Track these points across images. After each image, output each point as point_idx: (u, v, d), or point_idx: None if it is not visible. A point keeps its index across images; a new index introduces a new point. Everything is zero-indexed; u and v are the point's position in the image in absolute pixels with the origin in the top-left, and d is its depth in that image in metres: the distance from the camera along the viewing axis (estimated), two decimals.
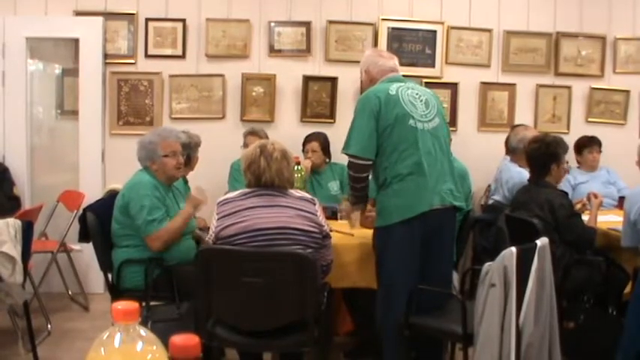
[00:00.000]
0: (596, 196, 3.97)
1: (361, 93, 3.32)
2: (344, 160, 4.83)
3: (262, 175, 2.81)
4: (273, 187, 2.83)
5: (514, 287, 2.60)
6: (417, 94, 3.14)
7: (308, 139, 4.74)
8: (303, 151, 4.69)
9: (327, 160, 4.79)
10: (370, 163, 3.06)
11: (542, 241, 2.77)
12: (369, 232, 3.45)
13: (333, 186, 4.69)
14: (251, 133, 4.63)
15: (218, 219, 2.80)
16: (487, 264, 2.69)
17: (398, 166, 3.00)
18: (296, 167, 3.23)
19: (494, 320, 2.62)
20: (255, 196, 2.82)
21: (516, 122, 5.33)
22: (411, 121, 3.03)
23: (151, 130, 3.69)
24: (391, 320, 3.01)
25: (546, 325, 2.77)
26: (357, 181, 3.17)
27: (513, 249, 2.61)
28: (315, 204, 2.88)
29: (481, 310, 2.67)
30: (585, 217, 3.82)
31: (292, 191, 2.89)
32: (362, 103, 3.10)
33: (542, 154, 3.69)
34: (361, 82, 3.42)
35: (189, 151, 3.95)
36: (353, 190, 3.24)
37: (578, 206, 4.00)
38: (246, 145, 4.28)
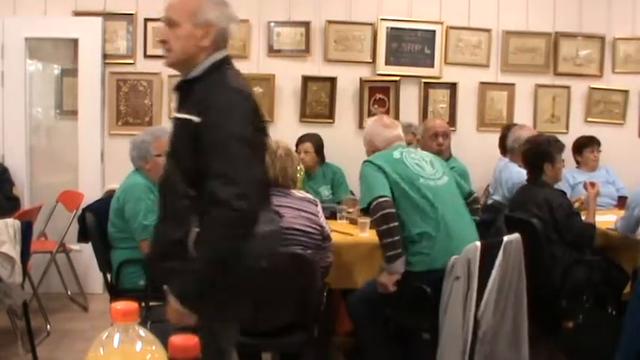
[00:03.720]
0: (593, 185, 3.95)
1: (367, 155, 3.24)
2: (339, 161, 4.90)
3: (266, 173, 2.81)
4: (277, 186, 2.83)
5: (475, 279, 2.68)
6: (420, 157, 3.10)
7: (301, 140, 4.71)
8: (296, 151, 4.66)
9: (320, 162, 4.75)
10: (390, 198, 2.87)
11: (510, 237, 2.82)
12: (369, 232, 3.46)
13: (325, 191, 4.67)
14: None
15: None
16: (453, 257, 2.76)
17: (419, 224, 2.90)
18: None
19: (457, 312, 2.70)
20: None
21: (515, 122, 5.33)
22: (422, 180, 2.97)
23: (144, 130, 3.65)
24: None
25: (506, 314, 2.81)
26: (386, 234, 2.87)
27: (478, 243, 2.71)
28: (316, 205, 2.89)
29: (445, 302, 2.75)
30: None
31: (294, 192, 2.90)
32: (368, 166, 3.01)
33: (534, 155, 3.71)
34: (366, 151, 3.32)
35: None
36: (385, 247, 2.88)
37: (577, 204, 4.00)
38: None
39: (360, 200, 3.09)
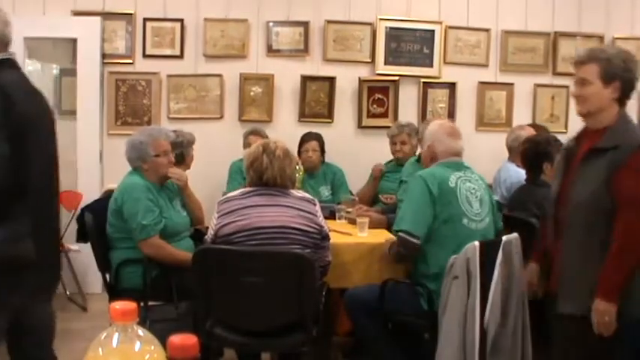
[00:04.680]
0: None
1: (419, 161, 3.24)
2: (338, 161, 4.91)
3: (264, 173, 2.81)
4: (275, 186, 2.83)
5: (477, 280, 2.68)
6: (473, 189, 3.05)
7: (307, 138, 4.74)
8: (300, 150, 4.69)
9: (322, 161, 4.79)
10: (419, 243, 2.93)
11: (508, 237, 2.82)
12: (368, 232, 3.46)
13: (324, 191, 4.69)
14: (252, 133, 4.63)
15: (218, 217, 2.81)
16: (452, 257, 2.78)
17: (441, 262, 2.89)
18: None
19: (457, 311, 2.71)
20: (256, 195, 2.82)
21: (514, 122, 5.35)
22: (465, 220, 2.96)
23: (139, 131, 3.63)
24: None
25: (517, 319, 2.81)
26: (400, 259, 3.10)
27: (476, 243, 2.72)
28: (315, 204, 2.89)
29: (445, 302, 2.76)
30: None
31: (293, 191, 2.90)
32: (420, 183, 3.00)
33: (533, 154, 3.71)
34: (421, 153, 3.30)
35: (182, 150, 3.96)
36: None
37: None
38: (247, 146, 4.27)
39: (399, 216, 3.06)
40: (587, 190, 2.30)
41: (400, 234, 2.98)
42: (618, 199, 2.22)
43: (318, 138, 4.76)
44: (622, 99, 2.37)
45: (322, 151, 4.76)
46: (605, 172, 2.25)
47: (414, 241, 2.93)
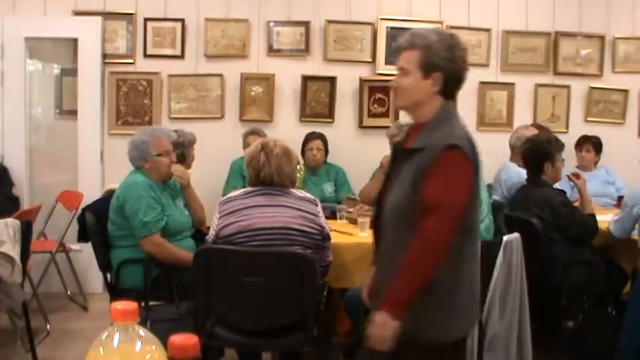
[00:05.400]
0: (577, 177, 3.94)
1: None
2: (339, 160, 4.92)
3: (261, 171, 2.81)
4: (275, 186, 2.82)
5: None
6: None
7: (312, 137, 4.79)
8: (304, 149, 4.72)
9: (325, 160, 4.85)
10: None
11: (509, 237, 2.82)
12: (369, 232, 3.45)
13: (328, 187, 4.72)
14: (251, 133, 4.64)
15: (219, 217, 2.80)
16: None
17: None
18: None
19: None
20: (257, 195, 2.82)
21: (515, 122, 5.35)
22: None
23: (141, 130, 3.63)
24: None
25: (514, 318, 2.80)
26: None
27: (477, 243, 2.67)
28: (317, 205, 2.88)
29: None
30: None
31: (294, 191, 2.89)
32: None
33: (534, 154, 3.71)
34: None
35: (182, 149, 3.96)
36: None
37: (576, 204, 4.01)
38: (247, 146, 4.28)
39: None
40: (398, 193, 2.03)
41: None
42: (423, 205, 1.91)
43: (322, 137, 4.82)
44: (447, 92, 2.06)
45: (326, 150, 4.82)
46: (412, 175, 1.97)
47: None
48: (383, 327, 1.88)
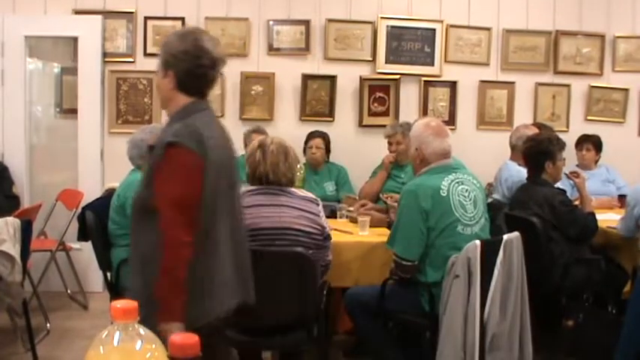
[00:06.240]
0: (576, 175, 3.93)
1: (412, 161, 3.14)
2: (339, 159, 4.92)
3: (257, 168, 2.81)
4: (270, 183, 2.81)
5: (478, 278, 2.68)
6: (466, 190, 2.95)
7: (312, 136, 4.82)
8: (305, 147, 4.73)
9: (326, 159, 4.83)
10: (415, 264, 2.89)
11: (509, 236, 2.82)
12: (369, 231, 3.46)
13: (329, 186, 4.73)
14: (254, 132, 4.62)
15: None
16: (454, 256, 2.77)
17: (438, 272, 2.86)
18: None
19: (458, 310, 2.70)
20: (258, 194, 2.81)
21: (515, 121, 5.34)
22: (460, 227, 2.87)
23: (140, 129, 3.63)
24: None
25: (515, 317, 2.81)
26: (401, 276, 2.99)
27: (477, 242, 2.70)
28: (318, 204, 2.88)
29: (445, 301, 2.75)
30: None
31: (296, 190, 2.88)
32: (411, 199, 2.90)
33: (535, 153, 3.71)
34: (412, 157, 3.14)
35: None
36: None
37: (577, 204, 4.01)
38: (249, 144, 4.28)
39: (391, 234, 3.01)
40: (138, 190, 2.09)
41: (394, 257, 2.95)
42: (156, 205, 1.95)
43: (323, 136, 4.83)
44: (188, 89, 2.07)
45: (327, 149, 4.83)
46: (147, 172, 2.04)
47: (408, 263, 2.90)
48: (171, 333, 1.89)
